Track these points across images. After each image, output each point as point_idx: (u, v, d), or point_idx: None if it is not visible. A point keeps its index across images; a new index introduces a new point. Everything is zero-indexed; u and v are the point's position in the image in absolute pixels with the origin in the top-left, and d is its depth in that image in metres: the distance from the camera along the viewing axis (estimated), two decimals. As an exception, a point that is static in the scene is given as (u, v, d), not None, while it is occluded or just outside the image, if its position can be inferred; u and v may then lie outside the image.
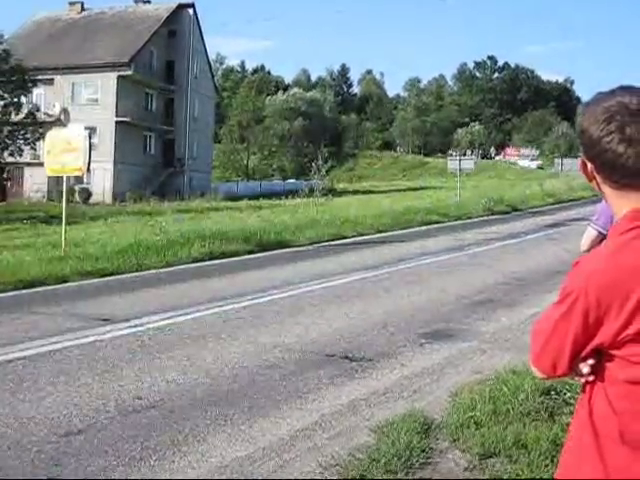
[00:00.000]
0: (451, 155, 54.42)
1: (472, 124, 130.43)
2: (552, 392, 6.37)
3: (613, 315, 1.88)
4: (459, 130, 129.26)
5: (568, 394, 6.29)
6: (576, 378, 2.06)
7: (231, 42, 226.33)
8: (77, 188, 53.89)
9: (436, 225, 26.93)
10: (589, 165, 2.05)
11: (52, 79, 61.21)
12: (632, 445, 1.90)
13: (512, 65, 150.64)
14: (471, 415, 5.95)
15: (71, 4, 71.08)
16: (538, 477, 4.85)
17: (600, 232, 5.43)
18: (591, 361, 1.97)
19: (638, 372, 1.89)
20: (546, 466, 4.96)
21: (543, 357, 2.04)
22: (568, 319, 1.95)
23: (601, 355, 1.96)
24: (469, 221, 28.79)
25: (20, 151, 49.98)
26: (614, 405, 1.93)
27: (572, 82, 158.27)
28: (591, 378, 1.99)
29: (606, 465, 1.92)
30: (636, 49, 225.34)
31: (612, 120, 1.94)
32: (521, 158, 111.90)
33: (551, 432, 5.52)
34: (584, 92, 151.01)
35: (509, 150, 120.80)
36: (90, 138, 18.93)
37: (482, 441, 5.43)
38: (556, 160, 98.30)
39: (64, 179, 18.51)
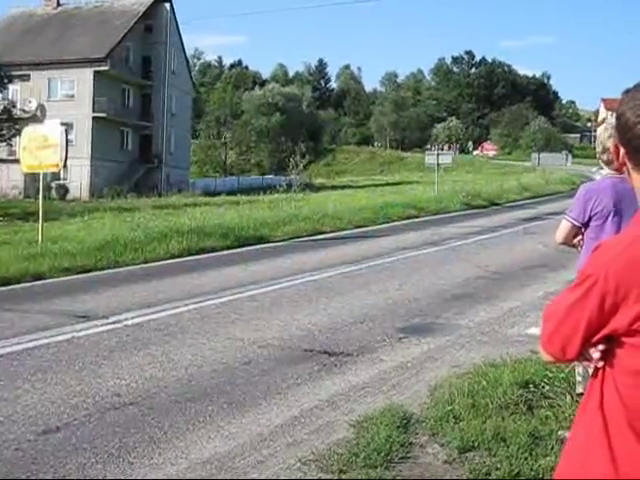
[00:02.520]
0: (428, 150, 54.44)
1: (450, 119, 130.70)
2: (531, 385, 6.40)
3: (630, 302, 1.86)
4: (437, 125, 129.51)
5: (547, 387, 6.33)
6: (584, 363, 2.04)
7: (208, 37, 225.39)
8: (54, 185, 53.50)
9: (414, 220, 26.97)
10: (621, 150, 2.04)
11: (28, 75, 60.72)
12: None
13: (489, 60, 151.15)
14: (450, 409, 5.97)
15: (47, -1, 70.59)
16: (518, 469, 4.88)
17: (574, 224, 5.49)
18: (602, 346, 1.94)
19: None
20: (525, 459, 4.99)
21: (554, 340, 2.00)
22: (584, 302, 1.92)
23: (611, 342, 1.94)
24: (447, 215, 28.84)
25: (-4, 148, 49.67)
26: (622, 393, 1.91)
27: (549, 77, 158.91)
28: (600, 364, 1.96)
29: (614, 456, 1.89)
30: (613, 44, 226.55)
31: None
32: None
33: (530, 425, 5.55)
34: (561, 87, 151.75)
35: (486, 145, 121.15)
36: (67, 134, 18.84)
37: (461, 435, 5.44)
38: (533, 154, 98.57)
39: (40, 175, 18.41)
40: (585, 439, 1.98)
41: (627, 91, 2.03)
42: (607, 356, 1.95)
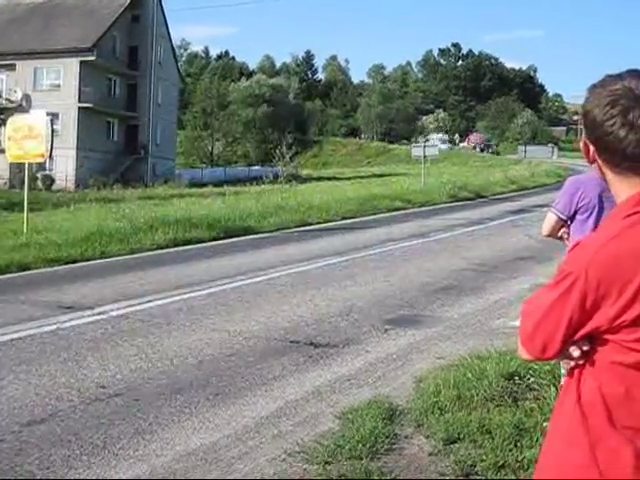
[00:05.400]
0: (417, 142, 54.48)
1: (437, 111, 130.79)
2: (516, 377, 6.41)
3: (612, 300, 1.85)
4: (424, 117, 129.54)
5: (532, 379, 6.35)
6: (564, 362, 2.03)
7: (195, 28, 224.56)
8: (39, 175, 53.24)
9: (401, 212, 26.99)
10: (591, 148, 2.03)
11: (13, 64, 60.47)
12: (621, 430, 1.88)
13: (476, 53, 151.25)
14: (435, 401, 5.98)
15: (33, -12, 70.14)
16: (504, 460, 4.89)
17: (559, 217, 5.48)
18: (586, 347, 1.93)
19: (632, 357, 1.87)
20: (510, 450, 5.00)
21: (535, 338, 1.97)
22: (565, 300, 1.90)
23: (593, 340, 1.93)
24: (434, 207, 28.88)
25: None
26: (603, 390, 1.90)
27: (535, 70, 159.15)
28: (581, 362, 1.96)
29: (595, 451, 1.89)
30: (600, 37, 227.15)
31: (616, 104, 1.91)
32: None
33: (515, 417, 5.56)
34: (547, 80, 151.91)
35: (472, 137, 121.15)
36: (52, 124, 18.78)
37: (446, 427, 5.45)
38: (519, 147, 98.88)
39: (26, 166, 18.34)
40: (565, 437, 1.98)
41: (593, 87, 2.03)
42: (588, 354, 1.94)
